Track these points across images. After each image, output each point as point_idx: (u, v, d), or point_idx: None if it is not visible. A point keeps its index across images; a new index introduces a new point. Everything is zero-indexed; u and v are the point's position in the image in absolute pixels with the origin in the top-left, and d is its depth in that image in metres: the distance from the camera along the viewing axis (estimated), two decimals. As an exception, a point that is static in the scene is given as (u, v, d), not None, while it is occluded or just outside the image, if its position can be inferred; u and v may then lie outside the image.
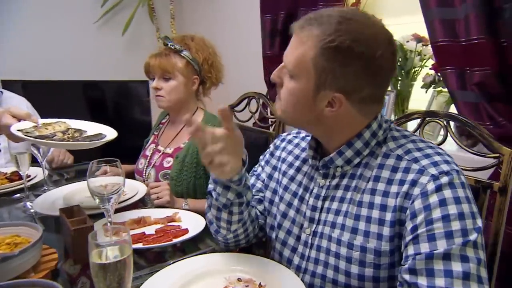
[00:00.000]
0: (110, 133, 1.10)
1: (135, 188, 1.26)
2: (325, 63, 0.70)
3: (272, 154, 1.00)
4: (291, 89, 0.75)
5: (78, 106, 2.62)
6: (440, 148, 0.75)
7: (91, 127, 1.13)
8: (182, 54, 1.36)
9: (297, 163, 0.92)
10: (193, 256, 0.87)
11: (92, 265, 0.55)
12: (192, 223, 1.04)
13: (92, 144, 1.01)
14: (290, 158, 0.94)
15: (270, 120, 1.71)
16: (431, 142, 0.77)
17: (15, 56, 2.42)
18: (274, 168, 0.97)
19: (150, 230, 1.00)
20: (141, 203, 1.25)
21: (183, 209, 1.21)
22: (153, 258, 0.94)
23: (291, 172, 0.91)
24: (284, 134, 1.02)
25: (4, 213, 1.20)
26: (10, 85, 2.11)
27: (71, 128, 1.08)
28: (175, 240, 0.94)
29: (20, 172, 1.22)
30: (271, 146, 1.02)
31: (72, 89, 2.59)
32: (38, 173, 1.41)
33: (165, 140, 1.46)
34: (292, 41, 0.75)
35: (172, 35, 2.91)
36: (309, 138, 0.89)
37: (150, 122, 2.78)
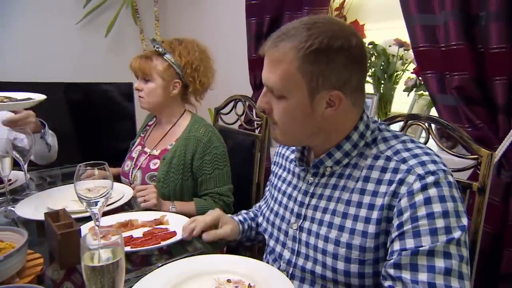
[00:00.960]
0: (38, 97, 1.26)
1: (121, 191, 1.25)
2: (311, 67, 0.72)
3: (275, 163, 1.04)
4: (286, 108, 0.76)
5: (60, 108, 2.56)
6: (429, 149, 0.77)
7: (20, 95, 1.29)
8: (165, 57, 1.36)
9: (287, 165, 0.97)
10: (182, 258, 0.87)
11: (85, 268, 0.54)
12: (180, 225, 1.03)
13: (21, 104, 1.21)
14: (283, 162, 1.00)
15: (256, 122, 1.72)
16: (420, 143, 0.80)
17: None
18: (273, 173, 1.03)
19: (137, 233, 0.99)
20: (127, 206, 1.23)
21: (170, 211, 1.21)
22: (140, 261, 0.93)
23: (284, 174, 0.97)
24: None
25: (-15, 218, 1.17)
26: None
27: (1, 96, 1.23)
28: (163, 243, 0.93)
29: (1, 176, 1.19)
30: (274, 156, 1.07)
31: (54, 91, 2.52)
32: (19, 177, 1.38)
33: (151, 142, 1.45)
34: (267, 62, 0.76)
35: (157, 37, 2.90)
36: None
37: (134, 124, 2.75)
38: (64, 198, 1.21)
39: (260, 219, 1.02)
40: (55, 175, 1.59)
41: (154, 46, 1.37)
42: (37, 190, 1.35)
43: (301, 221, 0.85)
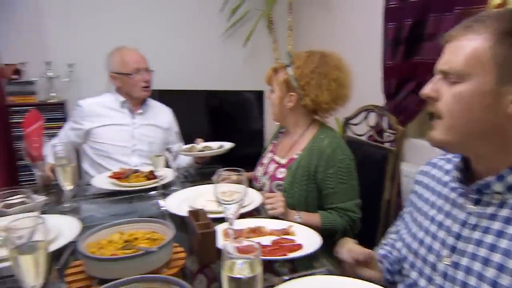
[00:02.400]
0: (228, 145, 1.67)
1: (250, 197, 1.30)
2: (508, 50, 0.63)
3: (418, 183, 0.94)
4: (461, 93, 0.67)
5: (200, 114, 2.87)
6: None
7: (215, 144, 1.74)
8: (287, 70, 1.38)
9: (438, 188, 0.85)
10: (309, 274, 0.85)
11: (224, 277, 0.57)
12: (306, 238, 1.02)
13: (215, 152, 1.66)
14: (432, 183, 0.88)
15: (389, 134, 1.59)
16: None
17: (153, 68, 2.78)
18: (415, 194, 0.93)
19: (265, 241, 1.02)
20: (256, 211, 1.28)
21: (295, 222, 1.21)
22: (264, 268, 0.94)
23: (432, 198, 0.86)
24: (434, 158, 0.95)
25: (142, 208, 1.37)
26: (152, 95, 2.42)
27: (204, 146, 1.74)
28: (290, 255, 0.93)
29: (156, 172, 1.39)
30: (417, 174, 0.97)
31: (197, 98, 2.85)
32: (168, 174, 1.58)
33: (281, 150, 1.49)
34: (451, 46, 0.70)
35: (290, 46, 2.98)
36: (456, 159, 0.80)
37: (263, 130, 2.89)
38: (202, 197, 1.33)
39: (398, 244, 0.93)
40: (196, 174, 1.77)
41: (286, 59, 1.41)
42: (181, 187, 1.52)
43: (456, 256, 0.73)
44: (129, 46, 1.90)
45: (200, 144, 1.79)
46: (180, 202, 1.31)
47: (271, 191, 1.40)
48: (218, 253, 0.91)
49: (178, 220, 1.22)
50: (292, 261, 0.96)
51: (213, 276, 0.93)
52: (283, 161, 1.43)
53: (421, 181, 0.93)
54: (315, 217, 1.29)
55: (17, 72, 2.46)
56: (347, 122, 1.76)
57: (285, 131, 1.55)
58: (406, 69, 1.95)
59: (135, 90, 1.83)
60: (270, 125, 2.93)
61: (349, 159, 1.34)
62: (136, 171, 1.60)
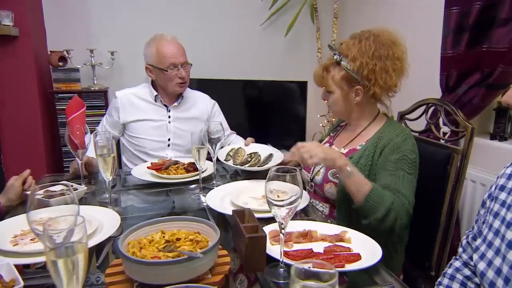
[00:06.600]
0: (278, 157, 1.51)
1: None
2: None
3: (499, 187, 0.83)
4: None
5: (240, 104, 2.79)
6: None
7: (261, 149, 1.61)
8: (341, 64, 1.25)
9: (509, 184, 0.78)
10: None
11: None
12: (364, 247, 0.91)
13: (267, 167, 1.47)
14: (501, 181, 0.81)
15: (455, 132, 1.43)
16: None
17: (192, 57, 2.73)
18: (494, 199, 0.82)
19: (318, 247, 0.91)
20: (303, 213, 1.18)
21: (346, 169, 1.10)
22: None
23: (502, 196, 0.78)
24: None
25: (182, 202, 1.31)
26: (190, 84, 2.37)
27: (250, 153, 1.58)
28: (348, 267, 0.82)
29: (197, 165, 1.32)
30: (501, 177, 0.85)
31: (235, 87, 2.77)
32: (208, 167, 1.50)
33: (340, 141, 1.38)
34: None
35: (334, 35, 2.82)
36: None
37: (304, 121, 2.77)
38: (244, 194, 1.25)
39: (474, 257, 0.80)
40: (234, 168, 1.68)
41: (333, 55, 1.28)
42: (221, 181, 1.44)
43: None
44: (167, 36, 1.76)
45: (250, 144, 1.65)
46: (221, 198, 1.24)
47: (325, 179, 1.29)
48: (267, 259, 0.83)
49: (217, 215, 1.15)
50: (344, 273, 0.84)
51: (255, 278, 0.86)
52: (343, 151, 1.32)
53: (503, 185, 0.80)
54: (366, 182, 1.12)
55: (63, 59, 2.49)
56: (402, 117, 1.60)
57: (346, 124, 1.42)
58: (470, 59, 1.75)
59: (169, 86, 1.73)
60: (312, 117, 2.80)
61: (416, 155, 1.21)
62: (176, 162, 1.55)
